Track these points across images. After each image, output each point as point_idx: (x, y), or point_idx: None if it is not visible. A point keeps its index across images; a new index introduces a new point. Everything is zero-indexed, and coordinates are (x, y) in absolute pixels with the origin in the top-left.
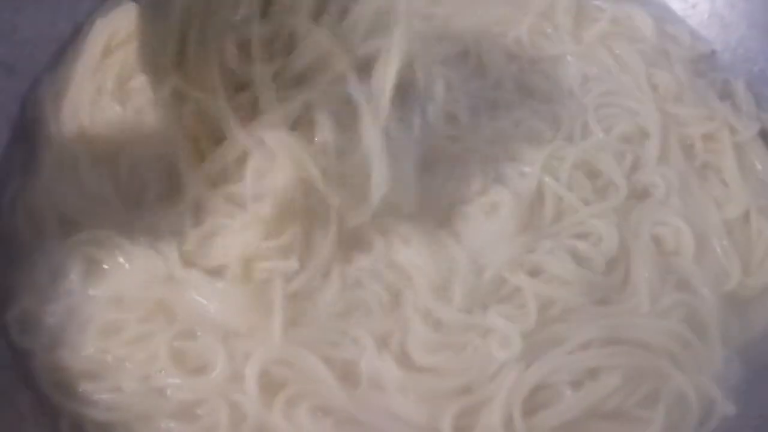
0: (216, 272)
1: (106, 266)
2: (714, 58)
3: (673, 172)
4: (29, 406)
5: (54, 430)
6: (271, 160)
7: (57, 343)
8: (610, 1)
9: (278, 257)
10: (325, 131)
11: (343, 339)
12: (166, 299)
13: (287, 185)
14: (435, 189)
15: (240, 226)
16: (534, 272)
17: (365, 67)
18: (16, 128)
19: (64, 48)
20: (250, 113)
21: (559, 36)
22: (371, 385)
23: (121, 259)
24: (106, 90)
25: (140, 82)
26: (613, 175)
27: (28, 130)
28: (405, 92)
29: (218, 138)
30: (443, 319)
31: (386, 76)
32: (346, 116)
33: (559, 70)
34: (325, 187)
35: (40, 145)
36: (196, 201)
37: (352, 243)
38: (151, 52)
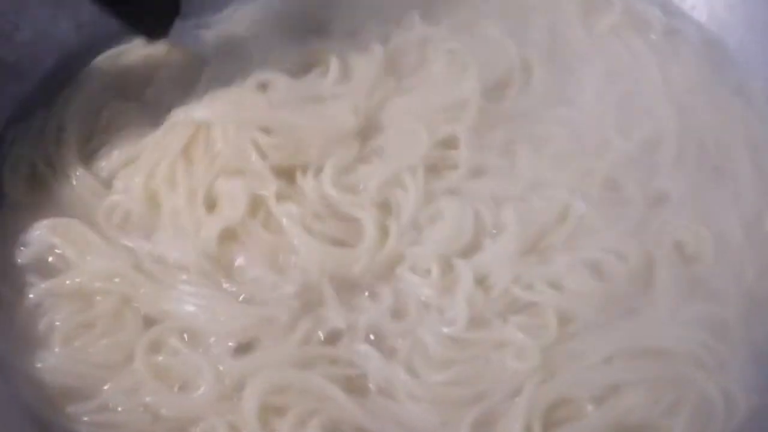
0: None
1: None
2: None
3: (688, 174)
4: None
5: None
6: None
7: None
8: None
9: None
10: None
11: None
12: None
13: None
14: None
15: None
16: (553, 286)
17: None
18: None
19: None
20: None
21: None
22: (382, 394)
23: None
24: None
25: None
26: (633, 188)
27: None
28: None
29: None
30: (452, 333)
31: None
32: None
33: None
34: None
35: None
36: None
37: None
38: None
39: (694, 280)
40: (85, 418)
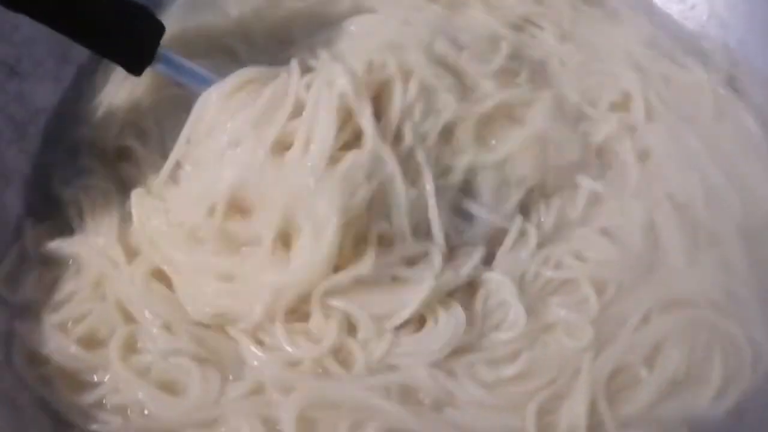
0: None
1: None
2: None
3: (663, 127)
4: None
5: None
6: None
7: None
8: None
9: None
10: None
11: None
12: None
13: None
14: None
15: None
16: (579, 258)
17: None
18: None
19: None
20: None
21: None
22: (436, 404)
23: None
24: None
25: None
26: (623, 153)
27: None
28: None
29: None
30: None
31: None
32: None
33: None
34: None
35: None
36: None
37: None
38: None
39: (692, 226)
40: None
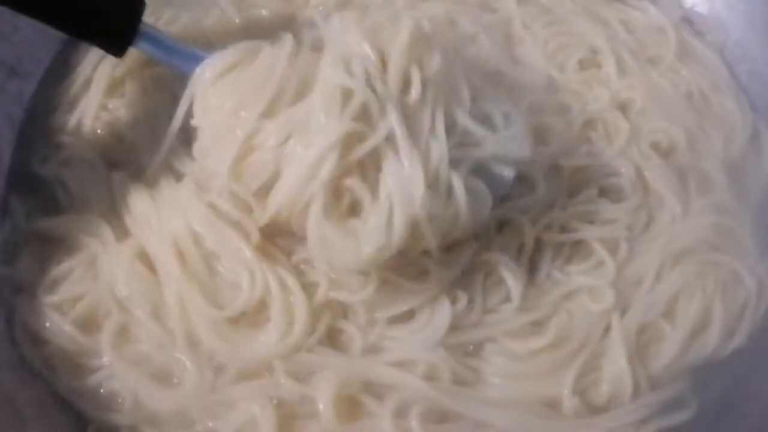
0: None
1: None
2: None
3: (635, 79)
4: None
5: None
6: None
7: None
8: None
9: None
10: None
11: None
12: None
13: None
14: None
15: None
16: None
17: None
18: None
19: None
20: None
21: None
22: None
23: None
24: None
25: None
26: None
27: None
28: None
29: None
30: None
31: None
32: None
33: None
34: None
35: None
36: None
37: None
38: None
39: (678, 170)
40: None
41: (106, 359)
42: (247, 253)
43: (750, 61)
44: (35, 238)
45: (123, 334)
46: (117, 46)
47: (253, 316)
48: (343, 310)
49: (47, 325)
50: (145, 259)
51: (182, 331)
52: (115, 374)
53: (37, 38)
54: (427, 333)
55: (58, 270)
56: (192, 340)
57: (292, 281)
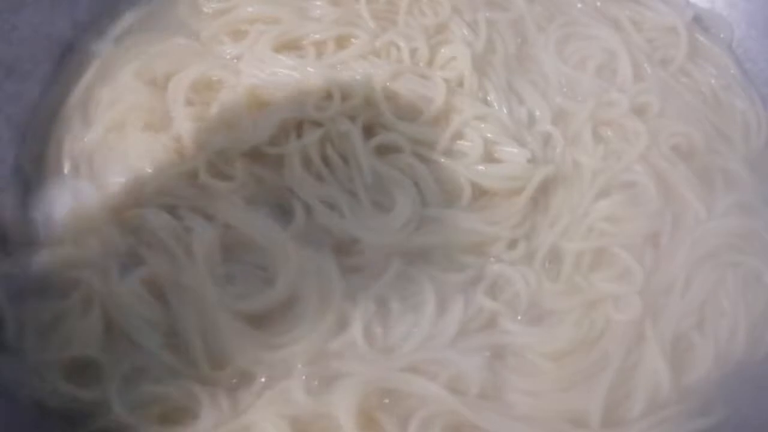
0: None
1: None
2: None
3: (651, 83)
4: None
5: None
6: None
7: None
8: None
9: None
10: None
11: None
12: None
13: None
14: None
15: None
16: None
17: None
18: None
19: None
20: None
21: None
22: (484, 394)
23: None
24: None
25: None
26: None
27: None
28: None
29: None
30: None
31: None
32: None
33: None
34: None
35: None
36: None
37: None
38: None
39: (701, 171)
40: None
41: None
42: None
43: (751, 61)
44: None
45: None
46: None
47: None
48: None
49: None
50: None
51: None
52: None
53: (35, 37)
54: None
55: None
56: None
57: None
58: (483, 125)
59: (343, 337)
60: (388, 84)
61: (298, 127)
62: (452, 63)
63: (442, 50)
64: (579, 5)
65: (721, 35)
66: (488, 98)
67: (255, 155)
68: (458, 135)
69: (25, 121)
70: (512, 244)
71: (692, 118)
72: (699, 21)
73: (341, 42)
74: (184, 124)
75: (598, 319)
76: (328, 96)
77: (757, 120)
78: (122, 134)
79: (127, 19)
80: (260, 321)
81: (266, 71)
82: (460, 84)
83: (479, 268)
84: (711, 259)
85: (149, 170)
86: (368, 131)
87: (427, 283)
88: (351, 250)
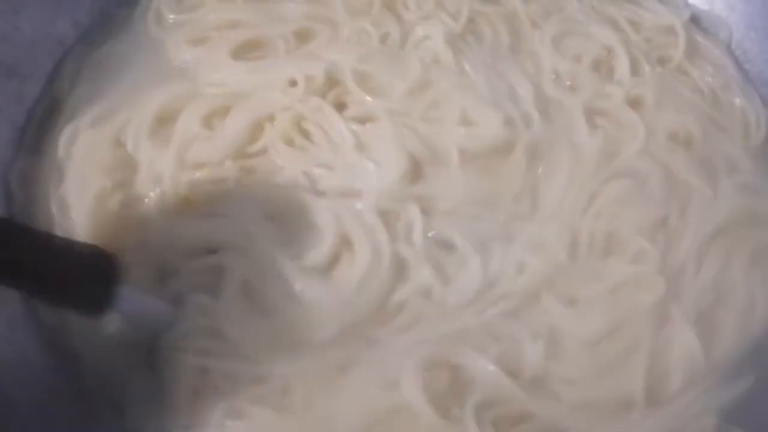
0: None
1: None
2: None
3: (647, 78)
4: None
5: None
6: None
7: None
8: None
9: None
10: None
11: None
12: None
13: None
14: None
15: None
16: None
17: None
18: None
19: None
20: None
21: None
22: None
23: None
24: None
25: None
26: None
27: None
28: None
29: None
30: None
31: None
32: None
33: None
34: None
35: None
36: None
37: None
38: None
39: (701, 158)
40: None
41: None
42: None
43: (750, 62)
44: None
45: None
46: (95, 312)
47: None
48: None
49: None
50: None
51: None
52: None
53: (36, 39)
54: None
55: None
56: None
57: None
58: (459, 94)
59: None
60: (357, 66)
61: (271, 119)
62: (426, 42)
63: (416, 30)
64: (576, 4)
65: (720, 36)
66: (466, 70)
67: (240, 155)
68: (434, 104)
69: (25, 121)
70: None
71: (689, 111)
72: (697, 22)
73: (308, 35)
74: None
75: (624, 303)
76: (293, 83)
77: (756, 118)
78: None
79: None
80: None
81: (226, 77)
82: (437, 61)
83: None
84: (720, 236)
85: None
86: (340, 108)
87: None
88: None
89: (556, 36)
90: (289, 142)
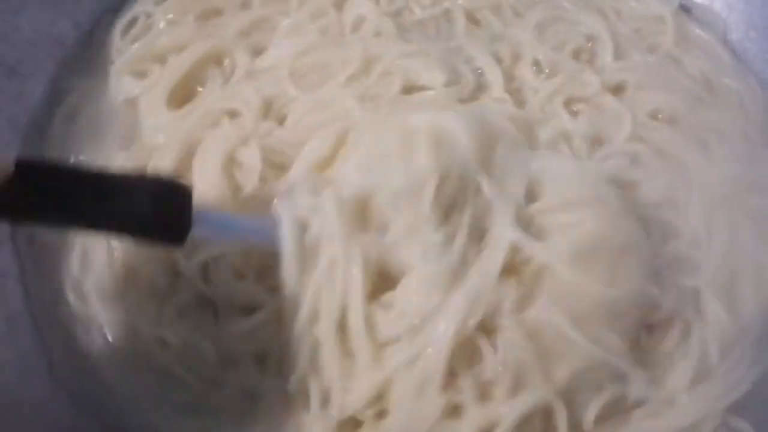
0: None
1: None
2: None
3: (632, 62)
4: None
5: None
6: None
7: None
8: None
9: None
10: None
11: None
12: None
13: None
14: None
15: None
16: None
17: None
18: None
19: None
20: None
21: None
22: None
23: None
24: None
25: None
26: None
27: None
28: None
29: None
30: None
31: None
32: None
33: None
34: None
35: None
36: None
37: None
38: None
39: (688, 132)
40: None
41: None
42: None
43: (749, 62)
44: None
45: None
46: (177, 239)
47: None
48: None
49: None
50: None
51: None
52: None
53: (37, 39)
54: None
55: None
56: None
57: None
58: (406, 61)
59: None
60: (292, 63)
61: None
62: (364, 25)
63: (346, 13)
64: None
65: (715, 29)
66: (407, 38)
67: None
68: (384, 75)
69: (26, 121)
70: None
71: (676, 92)
72: (691, 14)
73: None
74: None
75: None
76: (234, 114)
77: (752, 97)
78: None
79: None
80: None
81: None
82: (378, 34)
83: None
84: (722, 206)
85: None
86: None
87: None
88: None
89: (540, 22)
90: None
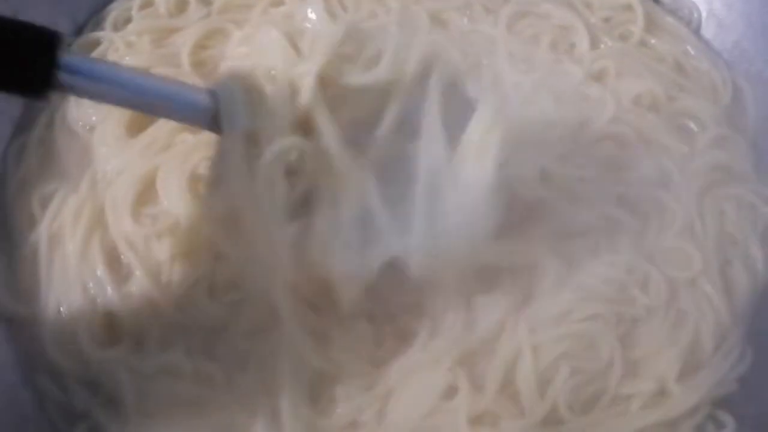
0: None
1: None
2: None
3: (607, 51)
4: None
5: None
6: None
7: None
8: None
9: None
10: None
11: None
12: None
13: None
14: None
15: None
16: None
17: None
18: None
19: None
20: None
21: None
22: None
23: None
24: None
25: None
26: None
27: None
28: None
29: None
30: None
31: None
32: None
33: None
34: None
35: None
36: None
37: None
38: None
39: (670, 119)
40: None
41: None
42: None
43: (748, 62)
44: None
45: None
46: (36, 92)
47: None
48: None
49: None
50: None
51: None
52: None
53: None
54: None
55: None
56: None
57: None
58: None
59: None
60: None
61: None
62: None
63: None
64: None
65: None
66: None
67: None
68: None
69: (25, 121)
70: None
71: (651, 77)
72: (658, 1)
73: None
74: None
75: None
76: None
77: (722, 78)
78: None
79: None
80: None
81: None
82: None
83: None
84: (706, 194)
85: None
86: None
87: None
88: None
89: (511, 16)
90: None
